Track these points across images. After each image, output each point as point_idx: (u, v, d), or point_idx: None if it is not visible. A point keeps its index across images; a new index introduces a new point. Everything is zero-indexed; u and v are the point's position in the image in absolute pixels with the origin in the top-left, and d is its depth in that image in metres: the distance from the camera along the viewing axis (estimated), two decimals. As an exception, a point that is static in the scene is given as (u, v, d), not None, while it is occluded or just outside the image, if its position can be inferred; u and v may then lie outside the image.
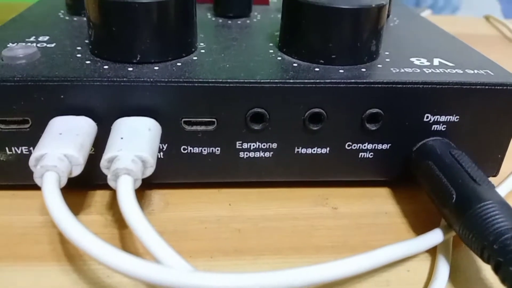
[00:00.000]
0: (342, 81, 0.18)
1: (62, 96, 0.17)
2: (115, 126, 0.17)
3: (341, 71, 0.19)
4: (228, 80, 0.18)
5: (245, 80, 0.18)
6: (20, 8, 0.27)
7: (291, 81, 0.18)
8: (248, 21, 0.26)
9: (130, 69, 0.18)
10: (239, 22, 0.26)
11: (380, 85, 0.18)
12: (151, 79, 0.17)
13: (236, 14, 0.27)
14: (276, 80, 0.18)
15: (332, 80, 0.18)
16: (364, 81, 0.18)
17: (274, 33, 0.24)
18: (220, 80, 0.18)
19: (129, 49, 0.18)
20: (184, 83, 0.17)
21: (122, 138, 0.16)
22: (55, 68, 0.18)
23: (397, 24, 0.27)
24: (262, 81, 0.18)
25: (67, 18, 0.25)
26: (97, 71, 0.18)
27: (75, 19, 0.25)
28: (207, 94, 0.18)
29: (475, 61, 0.21)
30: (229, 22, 0.26)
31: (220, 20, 0.26)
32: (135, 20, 0.18)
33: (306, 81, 0.18)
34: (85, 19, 0.24)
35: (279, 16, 0.27)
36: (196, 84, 0.17)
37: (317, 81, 0.18)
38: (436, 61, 0.20)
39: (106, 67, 0.18)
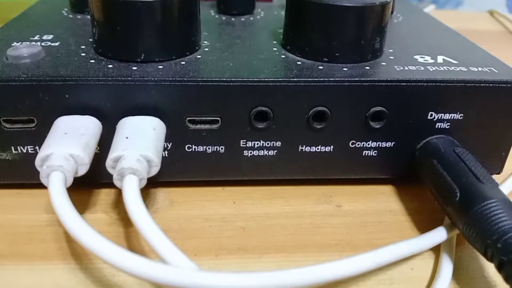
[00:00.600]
0: (346, 79, 0.18)
1: (67, 96, 0.17)
2: (120, 125, 0.17)
3: (345, 69, 0.19)
4: (232, 79, 0.18)
5: (249, 79, 0.18)
6: (22, 6, 0.27)
7: (295, 79, 0.18)
8: (251, 18, 0.26)
9: (135, 68, 0.18)
10: (242, 19, 0.26)
11: (384, 83, 0.18)
12: (156, 78, 0.17)
13: (239, 12, 0.27)
14: (280, 79, 0.18)
15: (336, 79, 0.18)
16: (368, 79, 0.18)
17: (278, 31, 0.24)
18: (224, 79, 0.18)
19: (133, 48, 0.18)
20: (188, 82, 0.17)
21: (127, 137, 0.16)
22: (59, 68, 0.18)
23: (400, 20, 0.27)
24: (266, 79, 0.18)
25: (70, 16, 0.25)
26: (102, 70, 0.18)
27: (78, 17, 0.25)
28: (211, 93, 0.18)
29: (479, 58, 0.21)
30: (233, 19, 0.26)
31: (224, 18, 0.26)
32: (139, 19, 0.18)
33: (310, 79, 0.18)
34: (88, 17, 0.24)
35: (283, 13, 0.27)
36: (200, 83, 0.17)
37: (321, 79, 0.18)
38: (440, 59, 0.20)
39: (110, 66, 0.18)
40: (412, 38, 0.24)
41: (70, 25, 0.23)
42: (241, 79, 0.18)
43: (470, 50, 0.22)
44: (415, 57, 0.21)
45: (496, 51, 0.22)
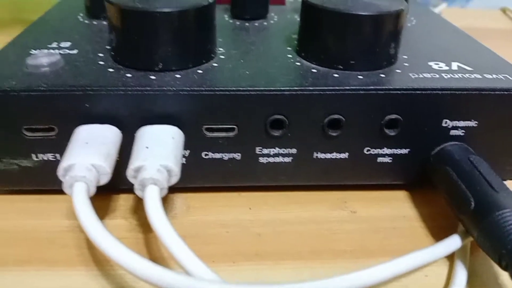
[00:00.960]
0: (361, 87, 0.18)
1: (86, 105, 0.18)
2: (139, 134, 0.18)
3: (360, 77, 0.19)
4: (249, 88, 0.18)
5: (266, 88, 0.18)
6: (33, 6, 0.27)
7: (310, 88, 0.18)
8: (265, 23, 0.26)
9: (153, 77, 0.18)
10: (256, 24, 0.26)
11: (399, 92, 0.18)
12: (174, 88, 0.18)
13: (253, 16, 0.27)
14: (296, 88, 0.18)
15: (352, 87, 0.18)
16: (384, 87, 0.18)
17: (292, 36, 0.24)
18: (241, 88, 0.18)
19: (151, 57, 0.19)
20: (206, 92, 0.18)
21: (147, 147, 0.17)
22: (79, 77, 0.18)
23: (414, 24, 0.27)
24: (282, 88, 0.18)
25: (86, 21, 0.25)
26: (121, 79, 0.18)
27: (94, 22, 0.25)
28: (228, 102, 0.18)
29: (494, 64, 0.21)
30: (247, 24, 0.26)
31: (238, 23, 0.26)
32: (157, 29, 0.18)
33: (325, 88, 0.18)
34: (104, 22, 0.25)
35: (296, 17, 0.27)
36: (217, 93, 0.18)
37: (337, 88, 0.18)
38: (454, 65, 0.20)
39: (129, 75, 0.18)
40: (426, 43, 0.24)
41: (86, 31, 0.24)
42: (258, 88, 0.18)
43: (484, 55, 0.22)
44: (430, 63, 0.21)
45: (508, 51, 0.22)
